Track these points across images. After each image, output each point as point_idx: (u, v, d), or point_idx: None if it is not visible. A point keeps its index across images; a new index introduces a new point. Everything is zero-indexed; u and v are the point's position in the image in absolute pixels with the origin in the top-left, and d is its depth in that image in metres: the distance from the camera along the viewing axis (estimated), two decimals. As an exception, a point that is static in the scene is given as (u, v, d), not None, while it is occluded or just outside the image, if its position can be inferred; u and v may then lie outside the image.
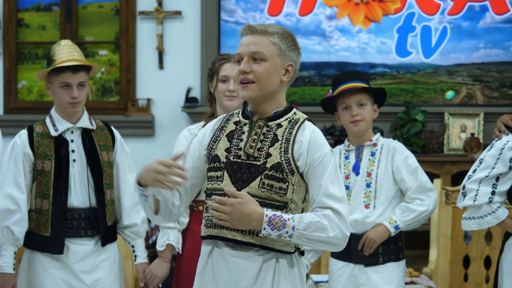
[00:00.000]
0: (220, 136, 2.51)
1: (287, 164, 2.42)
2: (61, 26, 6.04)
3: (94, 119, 3.65)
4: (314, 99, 5.93)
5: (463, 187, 3.18)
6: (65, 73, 3.49)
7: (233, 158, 2.45)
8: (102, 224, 3.54)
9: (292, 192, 2.43)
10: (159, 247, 3.64)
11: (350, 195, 3.61)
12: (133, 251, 3.70)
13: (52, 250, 3.49)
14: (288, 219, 2.38)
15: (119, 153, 3.65)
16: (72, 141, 3.54)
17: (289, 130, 2.46)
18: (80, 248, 3.52)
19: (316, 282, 4.14)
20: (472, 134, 5.59)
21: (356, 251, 3.57)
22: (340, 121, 3.69)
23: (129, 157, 3.71)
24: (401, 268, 3.64)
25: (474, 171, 3.17)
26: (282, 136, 2.45)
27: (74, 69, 3.49)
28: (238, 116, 2.54)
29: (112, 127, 3.71)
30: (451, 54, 5.81)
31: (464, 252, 4.49)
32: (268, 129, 2.47)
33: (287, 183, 2.42)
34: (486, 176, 3.12)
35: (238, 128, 2.50)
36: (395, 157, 3.60)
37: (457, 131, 5.67)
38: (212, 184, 2.48)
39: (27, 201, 3.50)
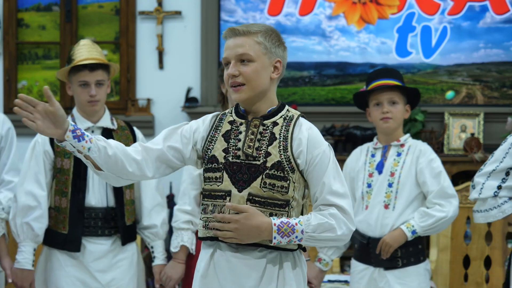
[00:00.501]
0: (216, 136, 2.50)
1: (288, 162, 2.42)
2: (61, 26, 6.04)
3: (116, 119, 3.69)
4: (314, 99, 5.92)
5: (473, 180, 3.20)
6: (83, 71, 3.53)
7: (232, 159, 2.45)
8: (120, 224, 3.55)
9: (293, 190, 2.43)
10: (173, 248, 3.65)
11: (371, 194, 3.59)
12: (152, 252, 3.72)
13: (69, 248, 3.52)
14: (296, 224, 2.38)
15: None
16: None
17: (285, 128, 2.46)
18: (96, 247, 3.54)
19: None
20: (472, 134, 5.59)
21: (375, 254, 3.54)
22: (370, 117, 3.65)
23: None
24: (421, 271, 3.59)
25: (484, 165, 3.19)
26: (280, 134, 2.45)
27: (91, 67, 3.51)
28: (232, 116, 2.53)
29: (135, 128, 3.72)
30: (451, 54, 5.81)
31: (464, 252, 4.50)
32: (265, 127, 2.47)
33: (288, 181, 2.42)
34: (494, 169, 3.13)
35: (234, 127, 2.50)
36: (420, 159, 3.56)
37: (457, 131, 5.67)
38: (211, 185, 2.47)
39: (47, 198, 3.53)
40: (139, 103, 5.93)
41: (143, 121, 5.86)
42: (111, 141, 2.50)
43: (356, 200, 3.66)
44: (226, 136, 2.49)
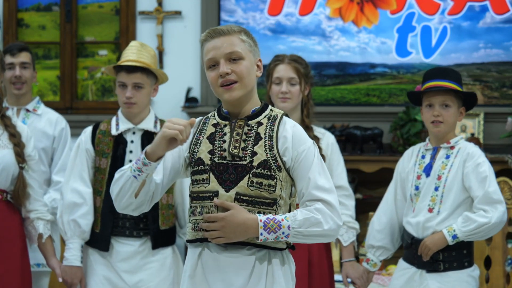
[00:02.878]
0: (201, 139, 2.51)
1: (274, 161, 2.43)
2: (61, 26, 6.04)
3: (162, 122, 3.67)
4: (314, 99, 5.90)
5: None
6: (121, 72, 3.57)
7: (218, 160, 2.46)
8: (152, 227, 3.56)
9: (281, 189, 2.44)
10: None
11: (419, 197, 3.52)
12: None
13: (99, 247, 3.57)
14: (282, 220, 2.39)
15: None
16: (132, 141, 3.59)
17: (270, 127, 2.47)
18: (123, 248, 3.57)
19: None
20: (472, 134, 5.59)
21: (417, 255, 3.49)
22: (422, 116, 3.58)
23: None
24: (464, 277, 3.49)
25: None
26: (265, 134, 2.46)
27: (128, 69, 3.53)
28: (215, 118, 2.53)
29: None
30: (451, 54, 5.81)
31: (464, 252, 4.49)
32: (249, 128, 2.48)
33: (275, 180, 2.43)
34: None
35: (218, 130, 2.50)
36: (467, 163, 3.46)
37: (457, 131, 5.67)
38: (198, 187, 2.48)
39: (92, 195, 3.58)
40: (139, 103, 5.93)
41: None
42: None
43: (407, 202, 3.61)
44: (211, 138, 2.49)
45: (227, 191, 2.42)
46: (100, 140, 3.59)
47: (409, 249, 3.57)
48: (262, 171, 2.42)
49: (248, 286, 2.43)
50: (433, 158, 3.55)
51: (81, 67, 6.12)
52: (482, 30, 5.78)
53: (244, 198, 2.42)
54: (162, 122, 3.71)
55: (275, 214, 2.43)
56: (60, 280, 3.57)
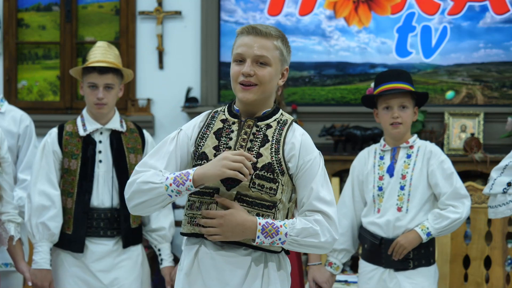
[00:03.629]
0: (207, 133, 2.49)
1: (278, 165, 2.42)
2: (61, 26, 6.04)
3: (126, 121, 3.69)
4: (314, 99, 5.92)
5: (490, 174, 3.17)
6: (93, 73, 3.55)
7: None
8: (124, 226, 3.57)
9: (281, 193, 2.44)
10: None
11: (383, 197, 3.56)
12: (159, 254, 3.73)
13: (73, 249, 3.55)
14: (281, 226, 2.39)
15: None
16: (100, 142, 3.58)
17: (278, 131, 2.47)
18: (98, 248, 3.56)
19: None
20: (472, 134, 5.59)
21: (387, 255, 3.53)
22: (378, 119, 3.62)
23: None
24: (431, 273, 3.58)
25: (503, 160, 3.16)
26: (272, 137, 2.45)
27: (101, 70, 3.53)
28: (224, 114, 2.52)
29: (144, 130, 3.73)
30: (451, 54, 5.80)
31: (464, 252, 4.49)
32: (258, 129, 2.47)
33: (277, 184, 2.42)
34: (507, 165, 3.11)
35: (226, 126, 2.49)
36: (431, 161, 3.54)
37: (457, 131, 5.67)
38: None
39: (60, 197, 3.56)
40: (139, 103, 5.93)
41: (143, 121, 5.85)
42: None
43: (367, 203, 3.64)
44: (218, 134, 2.48)
45: (228, 189, 2.42)
46: (67, 142, 3.56)
47: (375, 249, 3.58)
48: (266, 173, 2.41)
49: (243, 286, 2.43)
50: (393, 158, 3.59)
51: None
52: (482, 30, 5.77)
53: (245, 198, 2.41)
54: (126, 121, 3.70)
55: (274, 217, 2.42)
56: (30, 283, 3.54)
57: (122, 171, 3.57)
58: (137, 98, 5.93)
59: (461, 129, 5.66)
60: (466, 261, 4.51)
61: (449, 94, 5.83)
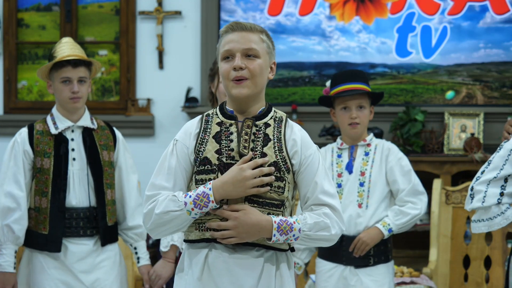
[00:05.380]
0: (206, 138, 2.46)
1: (283, 163, 2.42)
2: (61, 26, 6.04)
3: (96, 119, 3.66)
4: (314, 99, 5.92)
5: (471, 189, 3.12)
6: (66, 67, 3.51)
7: (226, 160, 2.42)
8: (101, 224, 3.53)
9: (288, 190, 2.44)
10: (163, 247, 3.64)
11: (342, 194, 3.60)
12: (136, 253, 3.69)
13: (50, 249, 3.48)
14: (294, 222, 2.38)
15: (122, 153, 3.65)
16: (72, 139, 3.54)
17: (277, 129, 2.46)
18: (79, 248, 3.51)
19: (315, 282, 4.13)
20: (472, 134, 5.59)
21: (347, 252, 3.56)
22: (335, 118, 3.67)
23: (132, 158, 3.71)
24: (390, 270, 3.65)
25: (482, 173, 3.11)
26: (273, 135, 2.45)
27: (74, 63, 3.50)
28: (218, 117, 2.49)
29: (114, 128, 3.71)
30: (451, 54, 5.81)
31: (464, 252, 4.50)
32: (257, 128, 2.46)
33: (284, 182, 2.42)
34: (495, 177, 3.08)
35: (224, 129, 2.46)
36: (389, 158, 3.61)
37: (457, 131, 5.67)
38: None
39: (27, 199, 3.50)
40: (139, 103, 5.93)
41: (143, 121, 5.86)
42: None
43: None
44: (217, 138, 2.45)
45: None
46: (39, 141, 3.51)
47: (334, 247, 3.57)
48: (273, 172, 2.41)
49: (258, 287, 2.42)
50: (351, 156, 3.64)
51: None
52: (482, 30, 5.78)
53: (255, 199, 2.40)
54: (96, 118, 3.68)
55: (282, 215, 2.42)
56: None
57: (97, 169, 3.53)
58: (137, 98, 5.93)
59: (461, 129, 5.66)
60: (466, 261, 4.51)
61: (449, 94, 5.83)
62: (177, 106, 5.88)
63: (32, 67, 6.08)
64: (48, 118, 3.58)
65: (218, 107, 2.52)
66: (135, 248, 3.68)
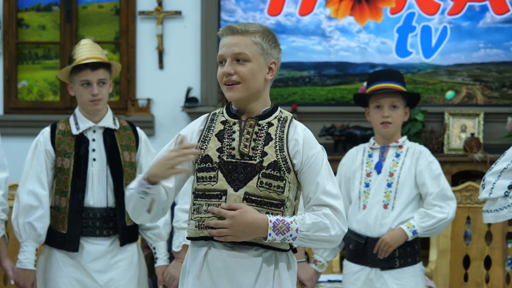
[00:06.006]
0: (209, 136, 2.49)
1: (284, 162, 2.42)
2: (61, 26, 6.04)
3: (119, 119, 3.68)
4: (314, 99, 5.92)
5: (483, 179, 3.17)
6: (85, 70, 3.53)
7: (227, 158, 2.44)
8: (120, 224, 3.55)
9: (288, 190, 2.44)
10: (175, 248, 3.65)
11: (369, 193, 3.57)
12: (155, 253, 3.72)
13: (67, 248, 3.52)
14: (291, 222, 2.38)
15: (144, 154, 3.66)
16: (93, 140, 3.57)
17: (280, 129, 2.47)
18: (94, 248, 3.54)
19: (319, 282, 4.13)
20: (472, 134, 5.59)
21: (372, 254, 3.53)
22: (369, 117, 3.65)
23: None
24: (417, 272, 3.59)
25: (495, 164, 3.16)
26: (275, 135, 2.45)
27: (93, 66, 3.52)
28: (224, 116, 2.52)
29: (138, 128, 3.72)
30: (451, 54, 5.81)
31: (464, 252, 4.50)
32: (260, 128, 2.47)
33: (284, 181, 2.42)
34: (505, 168, 3.10)
35: (227, 127, 2.49)
36: (419, 161, 3.57)
37: (457, 131, 5.67)
38: (205, 185, 2.45)
39: (49, 198, 3.53)
40: (139, 103, 5.93)
41: (143, 121, 5.85)
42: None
43: (352, 201, 3.64)
44: (220, 136, 2.48)
45: (236, 190, 2.41)
46: (60, 141, 3.54)
47: (360, 249, 3.58)
48: (272, 172, 2.41)
49: (255, 287, 2.42)
50: (382, 156, 3.62)
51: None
52: (482, 30, 5.78)
53: (253, 198, 2.41)
54: (119, 119, 3.70)
55: (282, 215, 2.42)
56: (12, 282, 3.53)
57: (117, 169, 3.56)
58: (137, 98, 5.93)
59: (461, 129, 5.66)
60: (466, 261, 4.51)
61: (449, 94, 5.83)
62: (177, 106, 5.88)
63: (32, 67, 6.08)
64: (71, 119, 3.61)
65: (225, 106, 2.54)
66: (154, 248, 3.72)
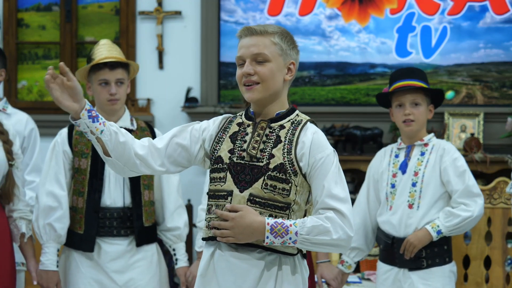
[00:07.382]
0: (223, 137, 2.51)
1: (290, 165, 2.42)
2: (61, 26, 6.05)
3: (137, 120, 3.70)
4: (314, 99, 5.93)
5: None
6: (103, 70, 3.54)
7: (236, 159, 2.45)
8: (137, 225, 3.55)
9: (295, 193, 2.43)
10: (198, 248, 3.66)
11: (395, 194, 3.54)
12: (174, 254, 3.71)
13: (84, 248, 3.53)
14: (290, 225, 2.37)
15: None
16: None
17: (292, 132, 2.47)
18: (112, 248, 3.54)
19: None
20: (472, 134, 5.59)
21: (399, 254, 3.51)
22: (393, 118, 3.61)
23: None
24: (446, 272, 3.54)
25: None
26: (285, 138, 2.45)
27: (111, 66, 3.53)
28: (241, 118, 2.54)
29: (156, 129, 3.73)
30: (451, 54, 5.81)
31: (464, 252, 4.50)
32: (271, 130, 2.47)
33: (290, 184, 2.41)
34: None
35: (242, 129, 2.50)
36: (443, 158, 3.51)
37: (457, 131, 5.67)
38: (215, 186, 2.48)
39: (67, 198, 3.54)
40: (139, 103, 5.93)
41: (143, 121, 5.85)
42: (123, 130, 2.51)
43: (381, 202, 3.63)
44: (233, 137, 2.49)
45: (241, 191, 2.42)
46: (77, 141, 3.55)
47: (388, 249, 3.57)
48: (278, 174, 2.41)
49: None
50: (407, 156, 3.59)
51: (81, 67, 6.11)
52: (482, 30, 5.78)
53: (257, 199, 2.41)
54: (137, 120, 3.69)
55: (288, 218, 2.41)
56: (35, 283, 3.54)
57: None
58: (137, 98, 5.93)
59: (461, 129, 5.66)
60: (466, 261, 4.51)
61: (449, 94, 5.83)
62: (177, 106, 5.88)
63: (32, 67, 6.08)
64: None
65: (246, 108, 2.56)
66: (173, 250, 3.71)
